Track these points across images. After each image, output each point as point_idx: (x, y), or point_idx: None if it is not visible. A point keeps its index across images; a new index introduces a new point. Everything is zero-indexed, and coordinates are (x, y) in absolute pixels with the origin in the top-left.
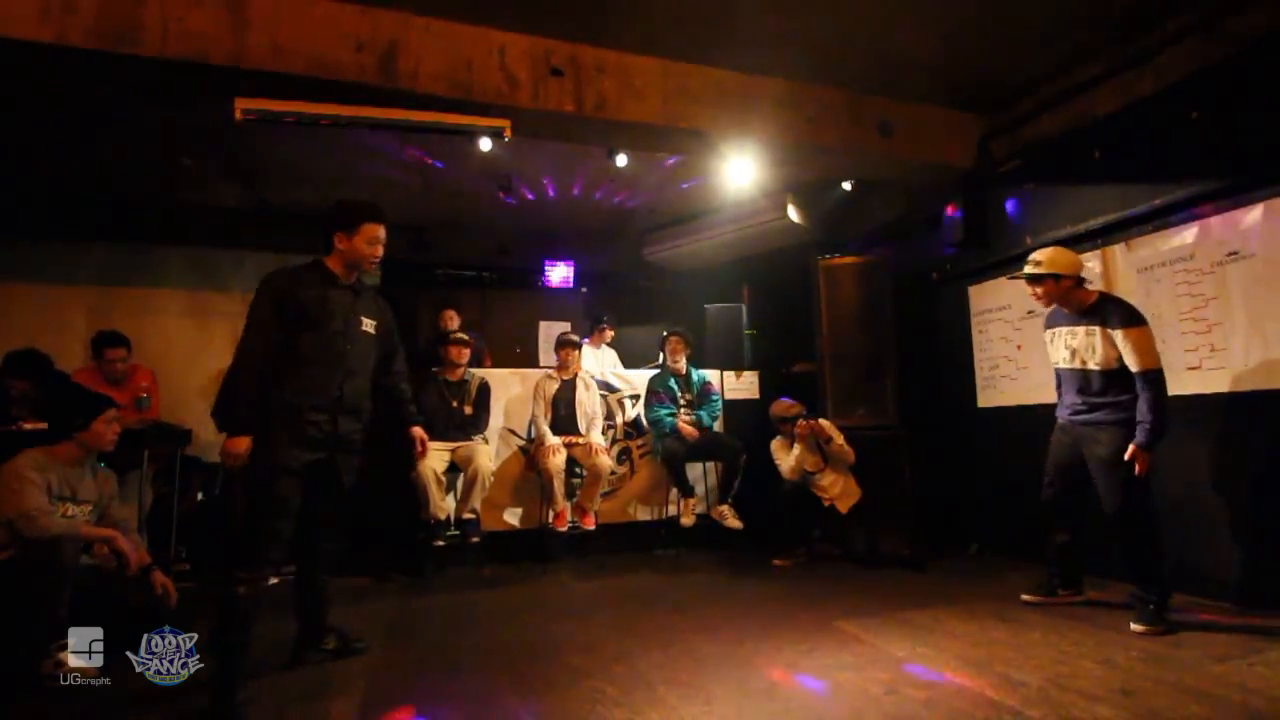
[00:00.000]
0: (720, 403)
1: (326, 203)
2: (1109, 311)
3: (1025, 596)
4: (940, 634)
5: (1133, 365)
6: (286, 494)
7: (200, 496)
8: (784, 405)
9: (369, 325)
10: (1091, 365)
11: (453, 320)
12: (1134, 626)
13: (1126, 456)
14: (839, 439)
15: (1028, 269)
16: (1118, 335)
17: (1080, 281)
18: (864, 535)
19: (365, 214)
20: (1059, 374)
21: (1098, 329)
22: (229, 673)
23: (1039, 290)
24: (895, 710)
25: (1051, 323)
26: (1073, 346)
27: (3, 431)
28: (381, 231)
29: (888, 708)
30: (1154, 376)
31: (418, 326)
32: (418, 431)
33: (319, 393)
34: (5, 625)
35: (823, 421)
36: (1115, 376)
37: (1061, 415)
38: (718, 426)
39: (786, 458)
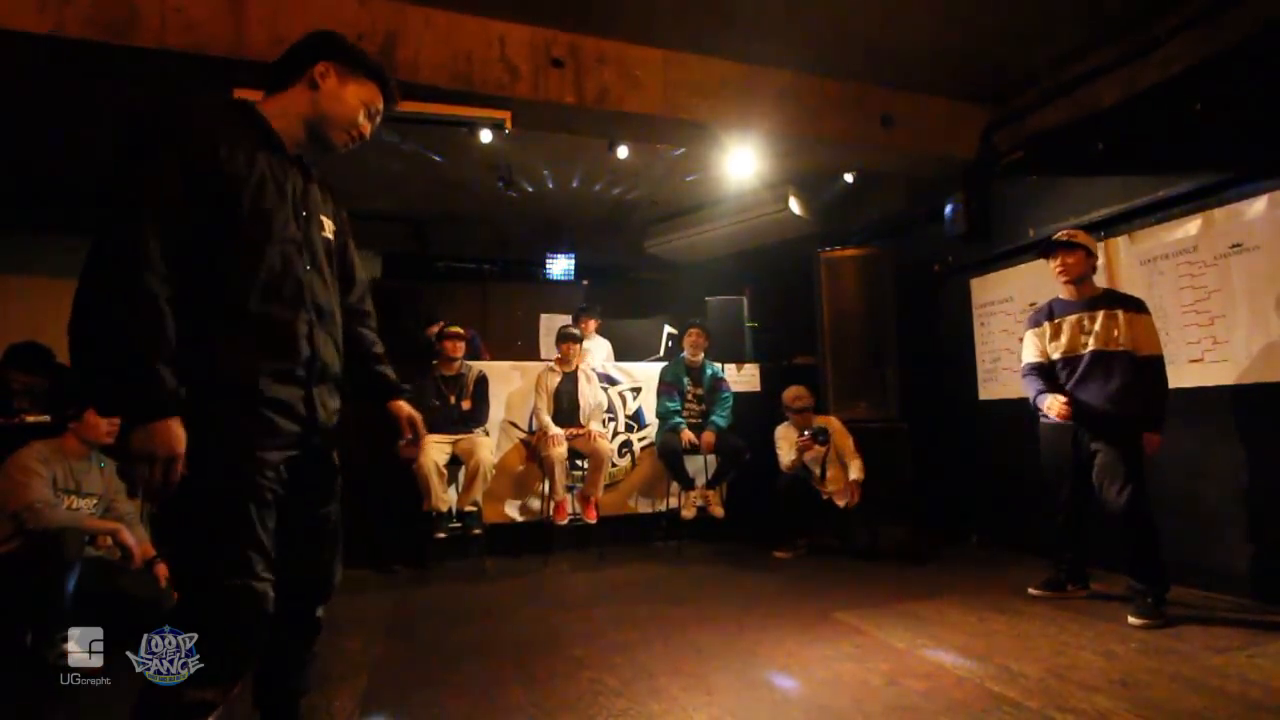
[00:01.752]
0: (732, 399)
1: None
2: (1120, 296)
3: (1032, 590)
4: (940, 625)
5: (1148, 350)
6: (261, 538)
7: None
8: (794, 393)
9: (328, 230)
10: (1118, 347)
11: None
12: (1131, 620)
13: (1154, 444)
14: (848, 445)
15: (1062, 236)
16: (1139, 319)
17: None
18: (864, 527)
19: (375, 69)
20: (1070, 361)
21: (1120, 312)
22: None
23: (1070, 260)
24: (895, 701)
25: (1047, 315)
26: (1092, 330)
27: (5, 425)
28: (382, 105)
29: (888, 699)
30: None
31: (418, 320)
32: (405, 409)
33: (280, 349)
34: (10, 617)
35: (834, 429)
36: (1139, 360)
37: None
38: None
39: (788, 449)
